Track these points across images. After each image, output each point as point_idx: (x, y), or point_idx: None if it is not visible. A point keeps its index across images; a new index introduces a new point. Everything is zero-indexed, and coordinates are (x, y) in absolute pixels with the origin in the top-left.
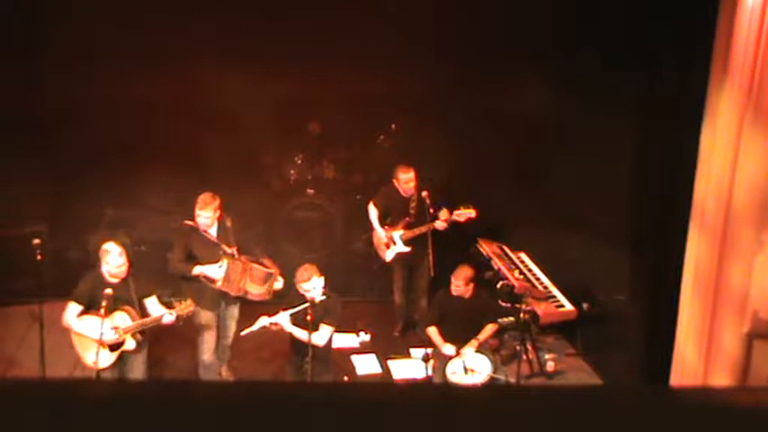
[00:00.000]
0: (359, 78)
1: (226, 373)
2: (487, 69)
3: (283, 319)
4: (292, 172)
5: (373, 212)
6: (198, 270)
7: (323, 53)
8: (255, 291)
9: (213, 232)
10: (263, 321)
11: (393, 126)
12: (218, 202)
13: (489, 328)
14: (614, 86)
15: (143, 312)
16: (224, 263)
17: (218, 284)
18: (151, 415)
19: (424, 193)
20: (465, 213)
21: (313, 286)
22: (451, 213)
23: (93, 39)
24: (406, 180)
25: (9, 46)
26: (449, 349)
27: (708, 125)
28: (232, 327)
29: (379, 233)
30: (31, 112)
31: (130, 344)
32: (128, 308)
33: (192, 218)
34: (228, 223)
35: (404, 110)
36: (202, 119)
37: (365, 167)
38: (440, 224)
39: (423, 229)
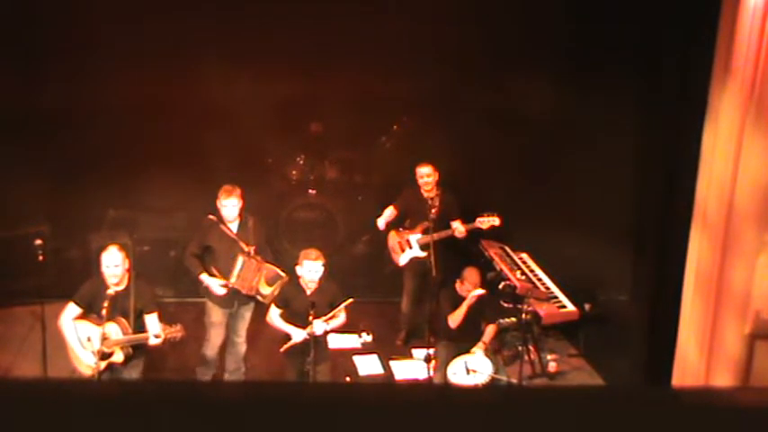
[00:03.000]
0: (361, 78)
1: None
2: (489, 69)
3: (320, 327)
4: (294, 172)
5: (386, 213)
6: (203, 278)
7: (325, 53)
8: (265, 291)
9: (234, 228)
10: (300, 335)
11: (395, 126)
12: (239, 191)
13: (491, 329)
14: (616, 86)
15: (141, 326)
16: (239, 261)
17: (232, 281)
18: (151, 415)
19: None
20: (488, 221)
21: (316, 269)
22: (473, 221)
23: (94, 39)
24: (421, 175)
25: (9, 46)
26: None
27: (710, 125)
28: (242, 331)
29: (390, 240)
30: (32, 112)
31: (118, 356)
32: (121, 319)
33: (214, 212)
34: (251, 223)
35: (406, 110)
36: (204, 119)
37: (367, 168)
38: (459, 232)
39: (441, 234)
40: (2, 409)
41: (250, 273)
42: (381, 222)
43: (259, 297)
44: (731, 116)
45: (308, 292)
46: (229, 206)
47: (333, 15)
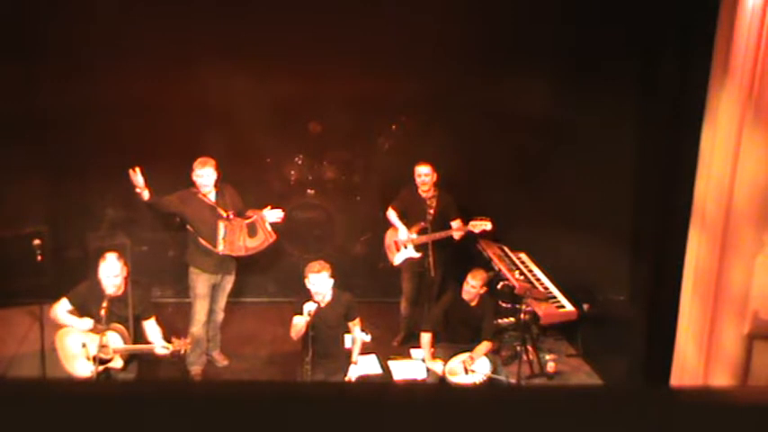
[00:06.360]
0: (359, 78)
1: (219, 356)
2: (488, 70)
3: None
4: (292, 172)
5: (393, 215)
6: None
7: (323, 53)
8: (254, 243)
9: (212, 198)
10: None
11: (394, 126)
12: (214, 162)
13: (484, 346)
14: (615, 87)
15: (139, 333)
16: (221, 227)
17: (221, 249)
18: (151, 414)
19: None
20: (480, 225)
21: (321, 281)
22: (467, 224)
23: (94, 39)
24: (420, 174)
25: (9, 46)
26: (437, 366)
27: (708, 125)
28: (223, 303)
29: (402, 234)
30: (31, 111)
31: (118, 363)
32: (120, 327)
33: (193, 184)
34: (227, 191)
35: (404, 110)
36: (203, 118)
37: (366, 168)
38: (456, 233)
39: (437, 236)
40: (1, 409)
41: (234, 234)
42: (402, 227)
43: (253, 251)
44: (730, 116)
45: (322, 305)
46: (205, 176)
47: (332, 15)
